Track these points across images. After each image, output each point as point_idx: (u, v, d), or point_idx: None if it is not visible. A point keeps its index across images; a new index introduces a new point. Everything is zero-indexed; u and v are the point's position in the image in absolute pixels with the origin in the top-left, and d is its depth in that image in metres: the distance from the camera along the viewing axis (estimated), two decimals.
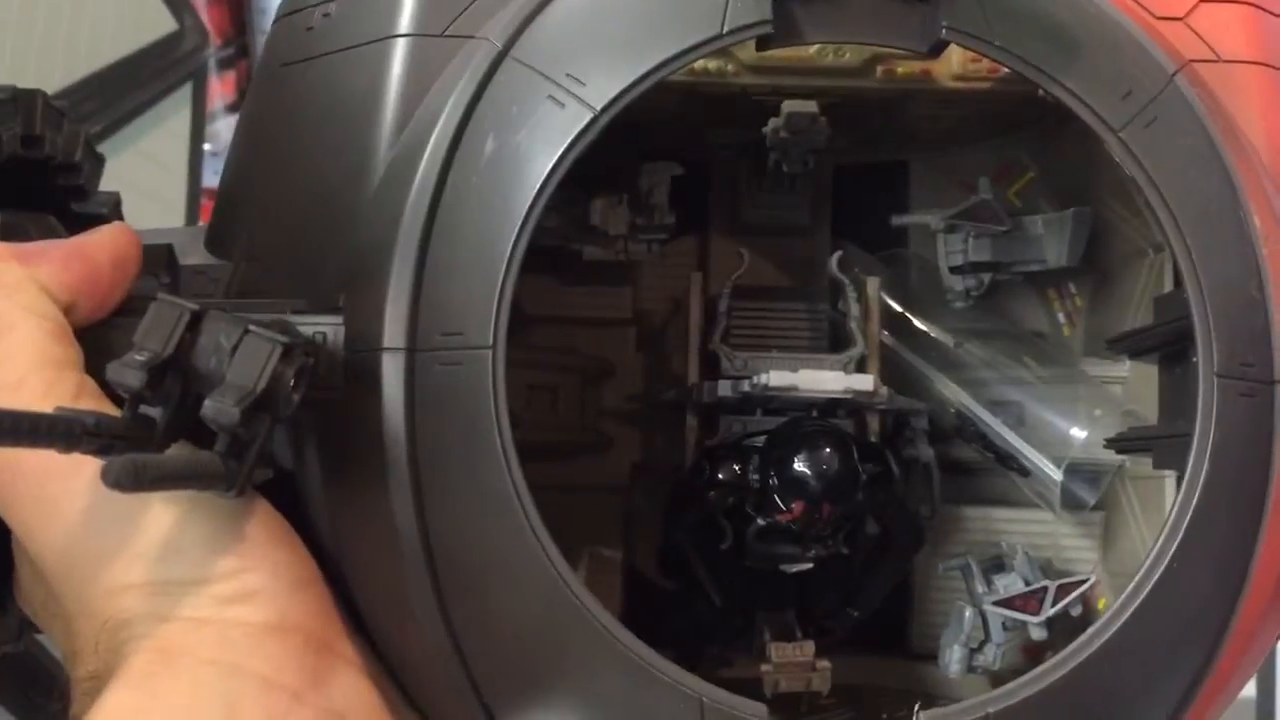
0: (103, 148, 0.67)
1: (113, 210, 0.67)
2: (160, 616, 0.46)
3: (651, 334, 0.72)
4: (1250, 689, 1.40)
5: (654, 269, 0.72)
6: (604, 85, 0.48)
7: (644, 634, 0.67)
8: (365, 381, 0.47)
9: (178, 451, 0.44)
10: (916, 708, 0.45)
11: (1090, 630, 0.47)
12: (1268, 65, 0.55)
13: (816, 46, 0.60)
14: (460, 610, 0.47)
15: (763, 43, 0.49)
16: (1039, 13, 0.49)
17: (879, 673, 0.69)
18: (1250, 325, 0.48)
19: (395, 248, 0.48)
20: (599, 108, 0.47)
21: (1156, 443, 0.55)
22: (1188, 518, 0.46)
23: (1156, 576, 0.46)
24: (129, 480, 0.38)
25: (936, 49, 0.49)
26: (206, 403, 0.42)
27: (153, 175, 1.13)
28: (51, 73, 1.04)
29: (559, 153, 0.47)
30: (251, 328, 0.44)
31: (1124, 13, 0.52)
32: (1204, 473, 0.47)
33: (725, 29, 0.48)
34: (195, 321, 0.44)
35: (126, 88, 1.08)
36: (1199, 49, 0.54)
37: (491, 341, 0.46)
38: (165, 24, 1.13)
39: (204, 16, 1.31)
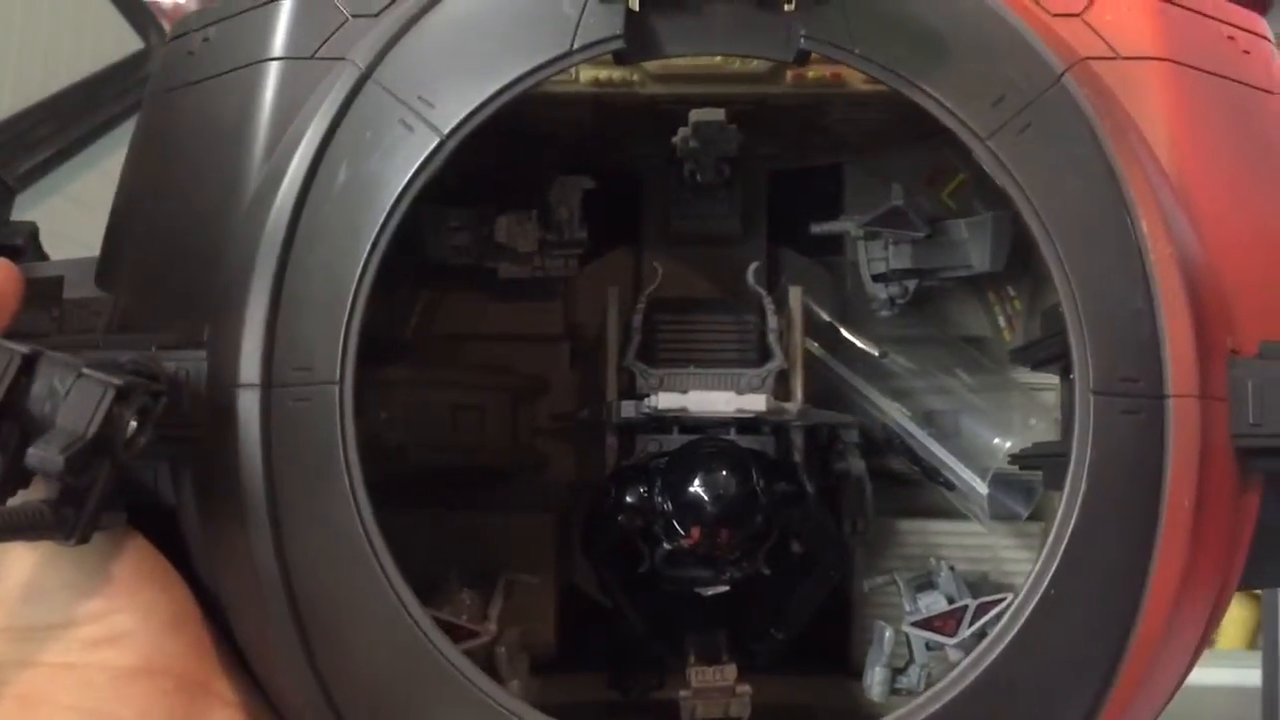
0: (66, 167, 0.67)
1: (27, 240, 0.67)
2: (22, 663, 0.45)
3: (586, 349, 0.71)
4: (1255, 677, 1.36)
5: (588, 283, 0.70)
6: (452, 107, 0.46)
7: (587, 655, 0.66)
8: (225, 417, 0.47)
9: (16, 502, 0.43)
10: None
11: (964, 662, 0.45)
12: (1171, 61, 0.52)
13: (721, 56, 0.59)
14: (322, 650, 0.46)
15: (620, 57, 0.48)
16: (907, 18, 0.47)
17: (822, 693, 0.67)
18: (1135, 338, 0.46)
19: (251, 280, 0.47)
20: (446, 131, 0.46)
21: (1045, 460, 0.52)
22: (1064, 542, 0.44)
23: (1035, 601, 0.44)
24: None
25: (799, 58, 0.48)
26: (30, 450, 0.41)
27: None
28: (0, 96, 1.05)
29: (405, 179, 0.46)
30: (84, 370, 0.43)
31: (1014, 12, 0.50)
32: (1081, 493, 0.44)
33: (575, 45, 0.47)
34: (29, 365, 0.43)
35: (88, 108, 1.09)
36: (1096, 46, 0.51)
37: (338, 376, 0.45)
38: (130, 43, 1.13)
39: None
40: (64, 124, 1.06)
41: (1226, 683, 1.42)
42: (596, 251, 0.69)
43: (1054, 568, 0.44)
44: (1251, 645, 1.68)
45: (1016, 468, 0.61)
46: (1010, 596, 0.57)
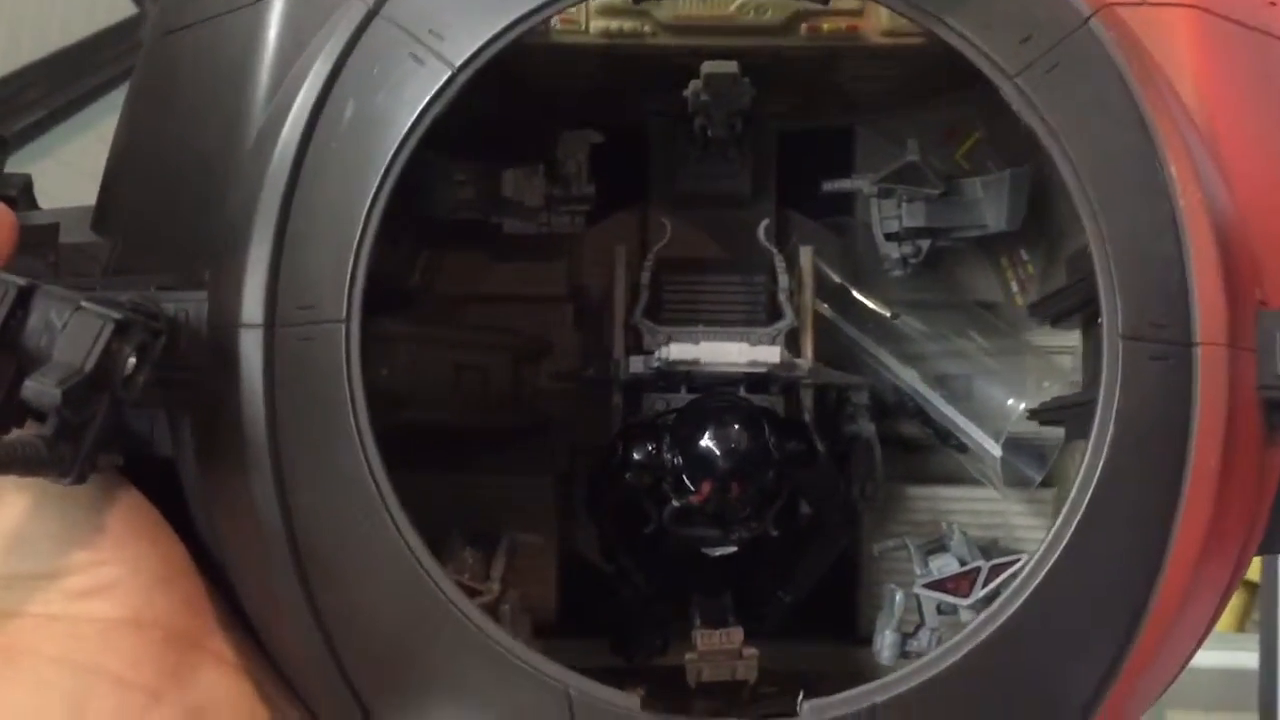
0: (59, 130, 0.66)
1: (22, 193, 0.65)
2: (7, 613, 0.44)
3: (591, 310, 0.69)
4: (1252, 659, 1.35)
5: (593, 243, 0.69)
6: (463, 41, 0.45)
7: (588, 621, 0.65)
8: (226, 359, 0.45)
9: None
10: (800, 698, 0.42)
11: (985, 613, 0.43)
12: (1197, 7, 0.51)
13: (736, 4, 0.58)
14: (327, 602, 0.45)
15: None
16: None
17: (827, 658, 0.66)
18: (1164, 283, 0.44)
19: (255, 218, 0.45)
20: (457, 64, 0.45)
21: (1067, 412, 0.51)
22: (1090, 491, 0.43)
23: (1058, 553, 0.43)
24: None
25: None
26: (26, 382, 0.39)
27: None
28: None
29: (415, 113, 0.45)
30: (83, 304, 0.41)
31: None
32: (1108, 441, 0.43)
33: None
34: (25, 298, 0.41)
35: (81, 71, 1.07)
36: None
37: (344, 315, 0.43)
38: (124, 7, 1.11)
39: None
40: (57, 86, 1.04)
41: (1217, 664, 1.41)
42: (601, 213, 0.68)
43: (1078, 517, 0.43)
44: (1241, 628, 1.68)
45: (1033, 425, 0.59)
46: (1026, 556, 0.56)
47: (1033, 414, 0.58)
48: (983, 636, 0.43)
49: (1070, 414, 0.52)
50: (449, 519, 0.60)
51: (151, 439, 0.51)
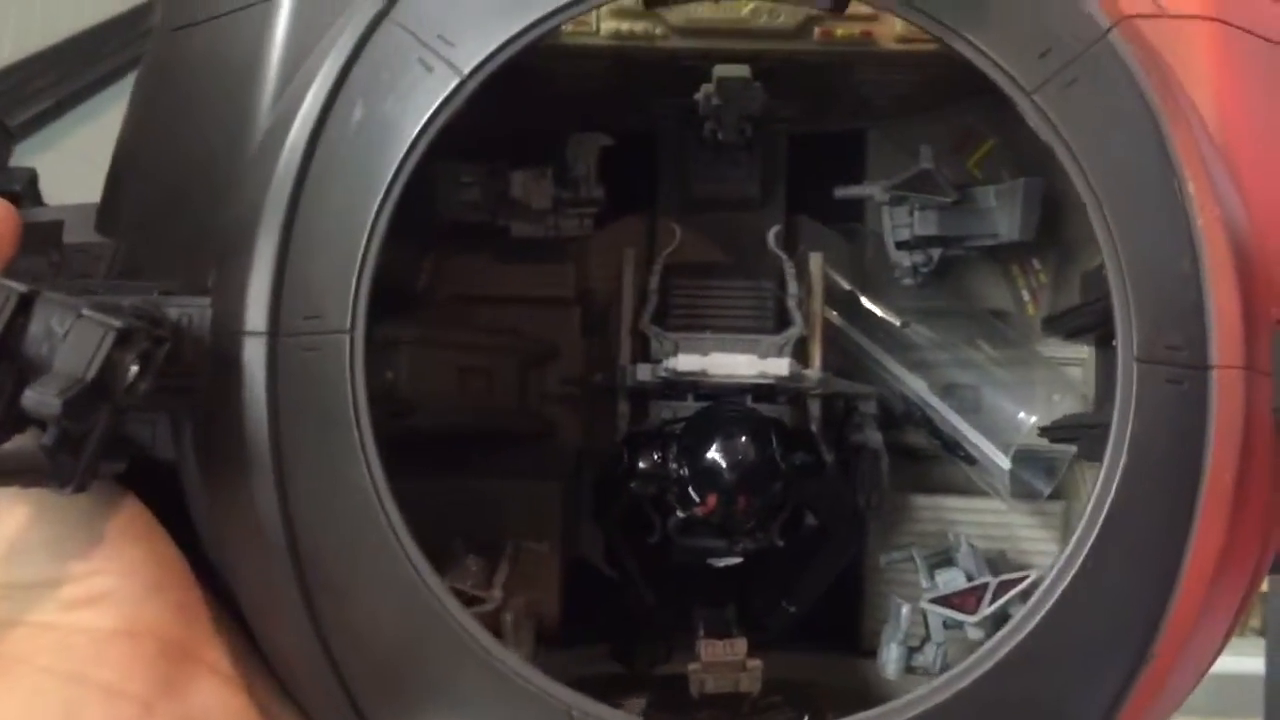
0: (65, 120, 0.65)
1: (27, 188, 0.65)
2: (2, 622, 0.44)
3: (598, 315, 0.69)
4: (1245, 664, 1.34)
5: (601, 247, 0.69)
6: (473, 46, 0.45)
7: (591, 629, 0.64)
8: (230, 367, 0.45)
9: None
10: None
11: (997, 636, 0.43)
12: (1219, 20, 0.50)
13: (750, 8, 0.57)
14: (327, 612, 0.44)
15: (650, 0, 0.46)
16: None
17: (831, 671, 0.65)
18: (1180, 303, 0.44)
19: (260, 223, 0.45)
20: (466, 71, 0.44)
21: (1082, 432, 0.51)
22: (1103, 514, 0.43)
23: (1070, 575, 0.43)
24: None
25: (839, 6, 0.46)
26: (27, 393, 0.39)
27: None
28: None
29: (424, 120, 0.44)
30: (84, 312, 0.40)
31: None
32: (1121, 465, 0.43)
33: None
34: (26, 305, 0.41)
35: (88, 62, 1.06)
36: (1142, 3, 0.50)
37: (349, 325, 0.43)
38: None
39: None
40: (63, 76, 1.04)
41: (1218, 670, 1.39)
42: (609, 217, 0.67)
43: (1091, 540, 0.43)
44: (1241, 632, 1.67)
45: (1043, 441, 0.59)
46: (1033, 573, 0.56)
47: (1044, 431, 0.57)
48: (996, 659, 0.43)
49: (1084, 434, 0.51)
50: (452, 524, 0.60)
51: (153, 443, 0.50)
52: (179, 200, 0.51)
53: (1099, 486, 0.43)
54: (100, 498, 0.45)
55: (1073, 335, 0.57)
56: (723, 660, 0.56)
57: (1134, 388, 0.43)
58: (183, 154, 0.52)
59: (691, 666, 0.56)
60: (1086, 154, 0.44)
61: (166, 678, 0.44)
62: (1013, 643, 0.43)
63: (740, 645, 0.57)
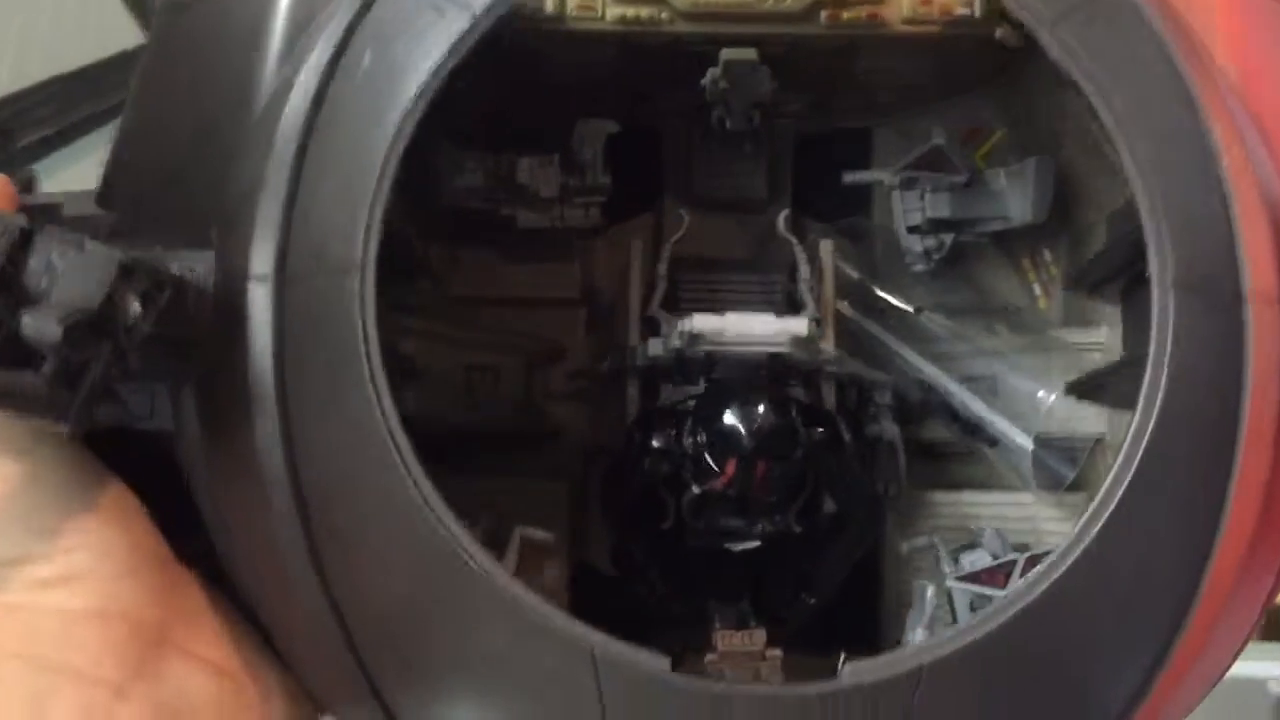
0: (60, 155, 0.64)
1: (24, 190, 0.64)
2: None
3: (604, 316, 0.68)
4: (1260, 669, 1.31)
5: (606, 247, 0.68)
6: None
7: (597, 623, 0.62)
8: (234, 315, 0.43)
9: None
10: (842, 659, 0.40)
11: (1031, 575, 0.41)
12: None
13: None
14: (335, 566, 0.43)
15: None
16: None
17: None
18: (1211, 239, 0.43)
19: (268, 169, 0.44)
20: (479, 9, 0.43)
21: (1111, 378, 0.49)
22: (1141, 451, 0.41)
23: (1108, 512, 0.41)
24: None
25: None
26: (26, 318, 0.38)
27: None
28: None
29: (436, 60, 0.43)
30: (88, 244, 0.39)
31: None
32: (1160, 398, 0.41)
33: None
34: (27, 239, 0.40)
35: (86, 96, 1.07)
36: None
37: (360, 262, 0.42)
38: (136, 36, 1.11)
39: None
40: (61, 109, 1.04)
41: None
42: (616, 218, 0.67)
43: (1130, 474, 0.41)
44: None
45: (1065, 424, 0.58)
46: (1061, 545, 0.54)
47: (1070, 388, 0.56)
48: (1030, 599, 0.41)
49: (1115, 377, 0.50)
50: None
51: (151, 414, 0.49)
52: (181, 171, 0.51)
53: (1136, 420, 0.42)
54: (75, 475, 0.44)
55: (1099, 285, 0.56)
56: (741, 650, 0.54)
57: (1170, 315, 0.42)
58: (186, 121, 0.51)
59: (708, 657, 0.54)
60: (1109, 91, 0.43)
61: (140, 660, 0.42)
62: (1048, 581, 0.41)
63: (759, 635, 0.55)
